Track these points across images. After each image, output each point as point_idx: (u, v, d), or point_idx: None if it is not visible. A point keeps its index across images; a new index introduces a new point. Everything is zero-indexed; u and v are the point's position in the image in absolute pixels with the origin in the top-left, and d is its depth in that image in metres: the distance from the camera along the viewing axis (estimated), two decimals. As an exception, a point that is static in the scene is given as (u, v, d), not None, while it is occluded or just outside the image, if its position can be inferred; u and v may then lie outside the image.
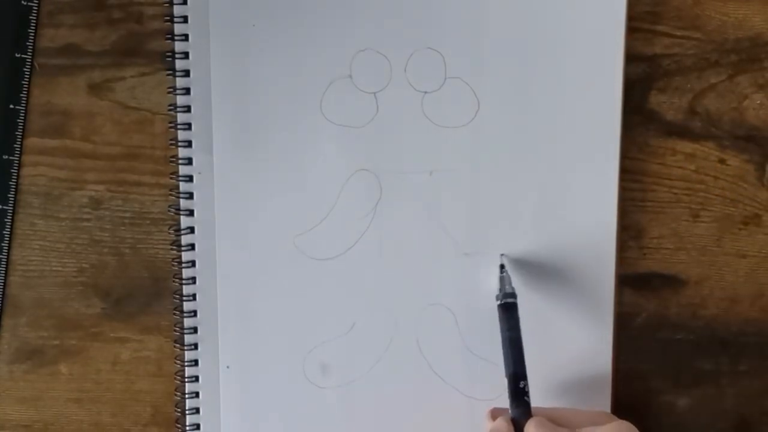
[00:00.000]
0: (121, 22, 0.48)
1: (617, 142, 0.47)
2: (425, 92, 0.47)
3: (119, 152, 0.48)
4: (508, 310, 0.46)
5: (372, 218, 0.48)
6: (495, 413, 0.45)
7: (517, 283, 0.47)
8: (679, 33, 0.48)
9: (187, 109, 0.47)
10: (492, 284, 0.47)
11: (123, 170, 0.48)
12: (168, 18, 0.47)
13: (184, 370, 0.48)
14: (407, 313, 0.48)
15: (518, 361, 0.44)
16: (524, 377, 0.44)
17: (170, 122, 0.47)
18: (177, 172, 0.47)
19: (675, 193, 0.49)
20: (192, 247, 0.48)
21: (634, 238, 0.49)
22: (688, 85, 0.48)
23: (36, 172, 0.48)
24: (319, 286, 0.48)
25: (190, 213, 0.48)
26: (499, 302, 0.46)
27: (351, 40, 0.47)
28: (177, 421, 0.49)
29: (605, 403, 0.49)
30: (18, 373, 0.49)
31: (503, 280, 0.47)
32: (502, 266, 0.47)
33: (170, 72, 0.47)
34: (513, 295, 0.46)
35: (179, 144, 0.47)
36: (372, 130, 0.47)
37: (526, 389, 0.44)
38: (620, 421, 0.43)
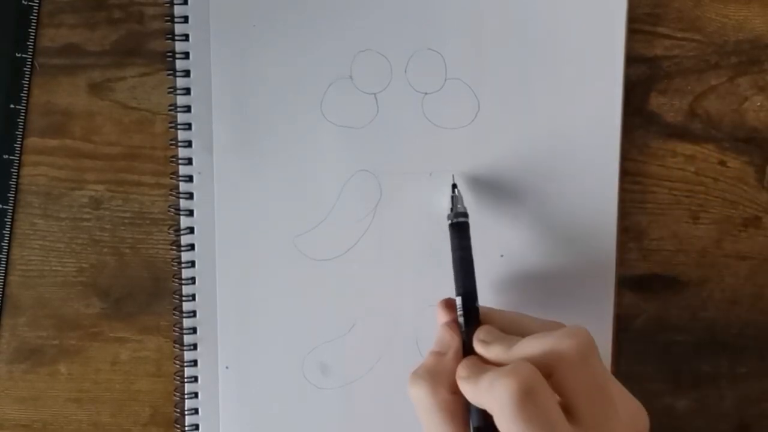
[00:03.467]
0: (122, 22, 0.48)
1: (617, 144, 0.47)
2: (425, 93, 0.47)
3: (119, 152, 0.48)
4: (460, 229, 0.45)
5: (372, 219, 0.48)
6: (449, 303, 0.44)
7: (517, 284, 0.47)
8: (679, 35, 0.48)
9: (188, 109, 0.47)
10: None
11: (123, 170, 0.48)
12: (168, 18, 0.47)
13: (183, 371, 0.48)
14: (407, 314, 0.48)
15: (471, 280, 0.43)
16: (476, 298, 0.43)
17: (170, 122, 0.47)
18: (177, 172, 0.47)
19: (675, 195, 0.49)
20: (192, 247, 0.48)
21: (634, 239, 0.49)
22: (689, 87, 0.48)
23: (36, 171, 0.48)
24: (319, 287, 0.48)
25: (190, 213, 0.48)
26: (450, 221, 0.45)
27: (351, 40, 0.47)
28: (176, 421, 0.49)
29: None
30: (17, 373, 0.49)
31: (455, 199, 0.46)
32: (454, 185, 0.46)
33: (170, 72, 0.47)
34: (465, 214, 0.45)
35: (179, 144, 0.47)
36: (372, 131, 0.47)
37: (477, 308, 0.43)
38: (573, 326, 0.39)
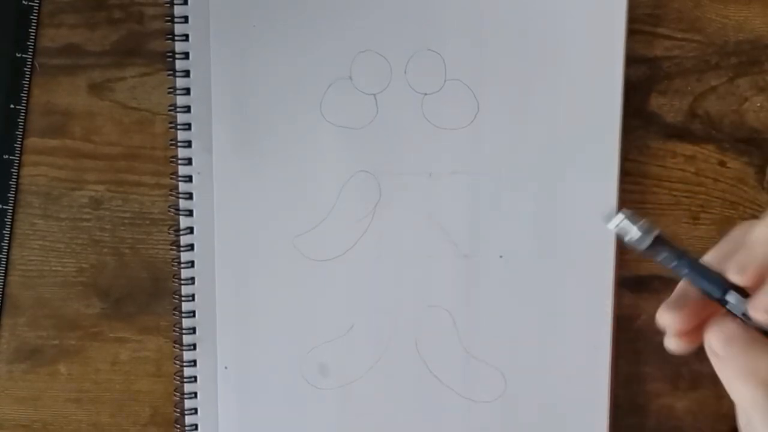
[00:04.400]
0: (122, 22, 0.48)
1: (617, 145, 0.47)
2: (425, 94, 0.47)
3: (119, 152, 0.48)
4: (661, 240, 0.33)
5: (371, 220, 0.48)
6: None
7: (517, 284, 0.47)
8: (679, 35, 0.48)
9: (187, 109, 0.47)
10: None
11: (123, 170, 0.48)
12: (168, 18, 0.47)
13: (182, 371, 0.48)
14: (406, 315, 0.48)
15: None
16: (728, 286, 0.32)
17: (170, 122, 0.47)
18: (176, 172, 0.47)
19: (675, 196, 0.49)
20: (191, 247, 0.48)
21: (633, 240, 0.49)
22: (689, 88, 0.48)
23: (36, 171, 0.48)
24: (318, 287, 0.48)
25: (190, 213, 0.48)
26: (651, 239, 0.33)
27: (351, 41, 0.47)
28: (176, 421, 0.49)
29: (603, 405, 0.49)
30: (17, 373, 0.49)
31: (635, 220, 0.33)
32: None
33: (170, 72, 0.47)
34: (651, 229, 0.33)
35: (179, 144, 0.47)
36: (372, 132, 0.47)
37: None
38: None
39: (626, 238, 0.34)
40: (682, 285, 0.33)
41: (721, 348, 0.31)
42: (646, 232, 0.33)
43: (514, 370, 0.49)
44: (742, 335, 0.31)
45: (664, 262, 0.33)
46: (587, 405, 0.49)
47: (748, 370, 0.30)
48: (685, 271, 0.33)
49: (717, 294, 0.32)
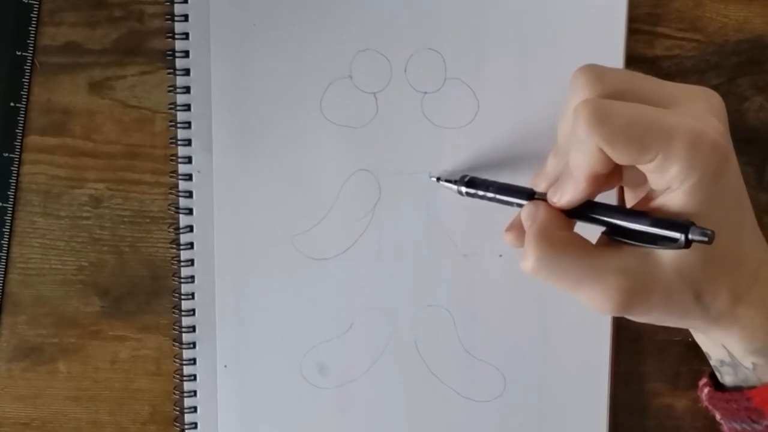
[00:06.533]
0: (122, 20, 0.48)
1: (617, 144, 0.47)
2: (425, 93, 0.47)
3: (119, 151, 0.48)
4: (473, 182, 0.44)
5: (371, 219, 0.48)
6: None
7: (516, 284, 0.47)
8: (679, 35, 0.48)
9: (187, 107, 0.47)
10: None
11: (123, 169, 0.48)
12: (169, 17, 0.47)
13: (182, 369, 0.48)
14: (405, 314, 0.48)
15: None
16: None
17: (170, 121, 0.47)
18: (176, 170, 0.48)
19: (675, 195, 0.49)
20: (191, 245, 0.48)
21: (633, 239, 0.49)
22: (689, 87, 0.48)
23: (36, 170, 0.48)
24: (318, 286, 0.48)
25: (190, 212, 0.48)
26: (465, 189, 0.44)
27: (351, 40, 0.47)
28: (176, 419, 0.49)
29: (603, 404, 0.49)
30: (16, 371, 0.49)
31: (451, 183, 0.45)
32: (438, 178, 0.47)
33: (170, 71, 0.47)
34: (464, 176, 0.44)
35: (179, 142, 0.47)
36: (371, 131, 0.47)
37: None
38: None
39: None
40: (516, 215, 0.41)
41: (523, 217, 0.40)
42: (459, 179, 0.44)
43: (514, 369, 0.49)
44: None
45: (483, 197, 0.43)
46: (587, 405, 0.49)
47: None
48: (498, 195, 0.42)
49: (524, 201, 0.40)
